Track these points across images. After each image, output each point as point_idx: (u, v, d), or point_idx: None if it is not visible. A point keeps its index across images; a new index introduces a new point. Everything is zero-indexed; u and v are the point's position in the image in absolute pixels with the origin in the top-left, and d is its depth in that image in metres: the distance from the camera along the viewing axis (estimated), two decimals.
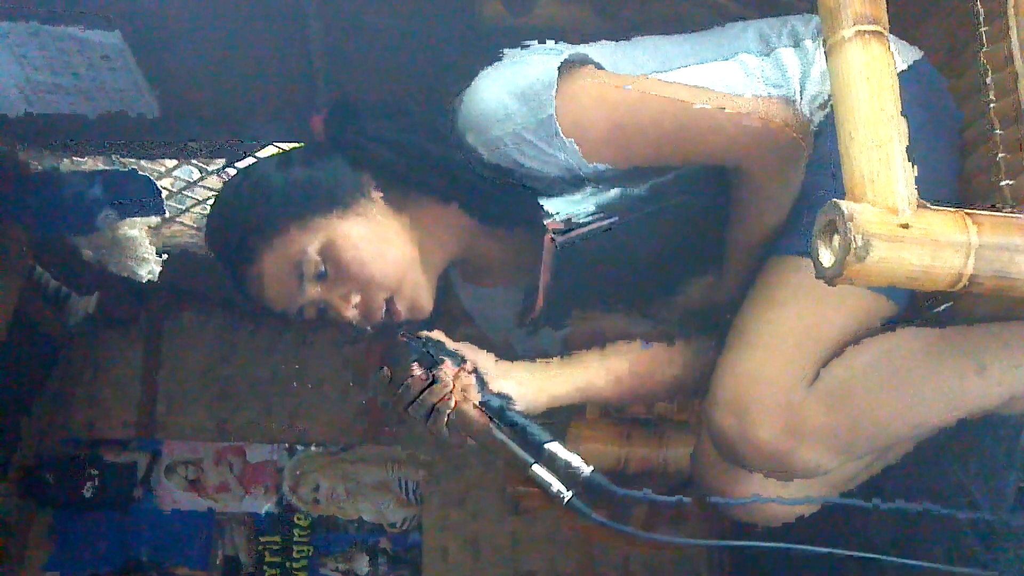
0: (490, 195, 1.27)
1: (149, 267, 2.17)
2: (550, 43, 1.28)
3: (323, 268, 1.25)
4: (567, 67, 1.20)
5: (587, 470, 1.18)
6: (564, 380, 1.31)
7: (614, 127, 1.20)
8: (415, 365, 1.23)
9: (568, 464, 1.18)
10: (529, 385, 1.28)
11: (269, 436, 2.81)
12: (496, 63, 1.26)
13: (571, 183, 1.24)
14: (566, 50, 1.24)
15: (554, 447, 1.19)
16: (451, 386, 1.22)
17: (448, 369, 1.23)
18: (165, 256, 2.20)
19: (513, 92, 1.19)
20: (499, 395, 1.24)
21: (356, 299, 1.26)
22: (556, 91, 1.17)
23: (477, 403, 1.22)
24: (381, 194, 1.29)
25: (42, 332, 2.58)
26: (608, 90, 1.21)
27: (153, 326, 2.84)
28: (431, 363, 1.24)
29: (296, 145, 1.42)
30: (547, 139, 1.18)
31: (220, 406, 2.83)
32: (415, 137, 1.28)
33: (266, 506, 2.73)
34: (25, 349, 2.48)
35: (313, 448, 2.80)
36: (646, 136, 1.20)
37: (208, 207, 2.49)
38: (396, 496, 2.77)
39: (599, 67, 1.25)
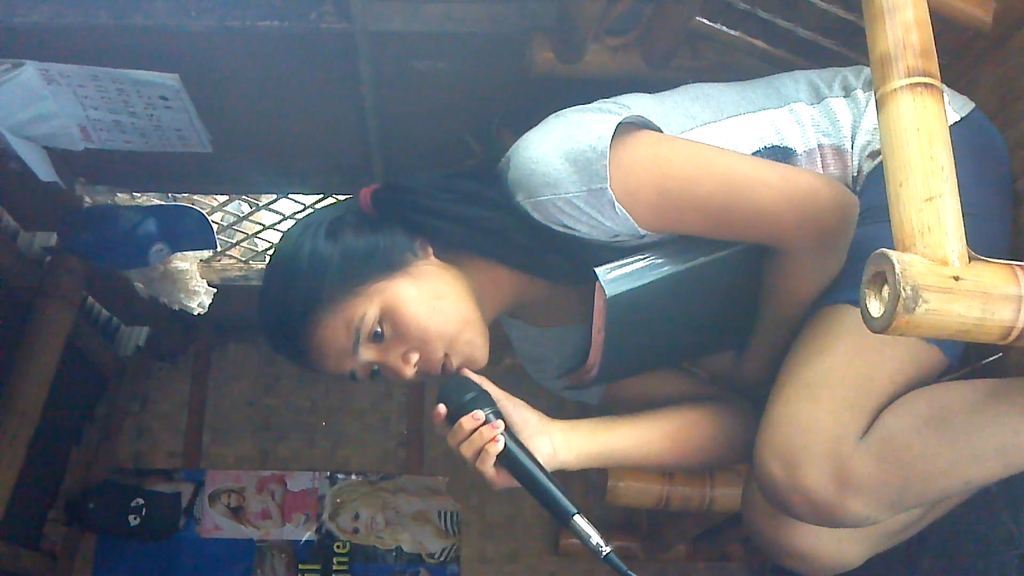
0: (541, 253, 1.27)
1: (199, 300, 2.20)
2: (604, 102, 1.28)
3: (379, 330, 1.25)
4: (621, 130, 1.19)
5: (605, 549, 1.19)
6: (601, 444, 1.32)
7: (665, 200, 1.19)
8: (469, 404, 1.25)
9: (588, 539, 1.20)
10: (562, 447, 1.29)
11: (311, 465, 2.83)
12: (549, 119, 1.26)
13: (621, 250, 1.25)
14: (621, 111, 1.24)
15: (579, 520, 1.20)
16: (502, 428, 1.24)
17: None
18: (215, 290, 2.22)
19: (566, 156, 1.18)
20: (528, 455, 1.25)
21: (415, 357, 1.27)
22: (609, 160, 1.16)
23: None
24: (432, 252, 1.30)
25: (92, 362, 2.62)
26: (662, 161, 1.20)
27: (201, 358, 2.88)
28: (485, 403, 1.26)
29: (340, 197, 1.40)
30: (599, 208, 1.18)
31: (263, 436, 2.85)
32: (465, 207, 1.28)
33: (306, 534, 2.74)
34: (75, 379, 2.52)
35: (354, 477, 2.81)
36: (696, 212, 1.20)
37: (257, 240, 2.53)
38: (435, 527, 2.78)
39: (655, 128, 1.24)
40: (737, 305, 1.33)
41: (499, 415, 1.26)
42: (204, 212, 2.09)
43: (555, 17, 1.53)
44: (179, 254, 2.16)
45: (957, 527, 1.41)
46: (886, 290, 0.88)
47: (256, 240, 2.56)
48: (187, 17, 1.53)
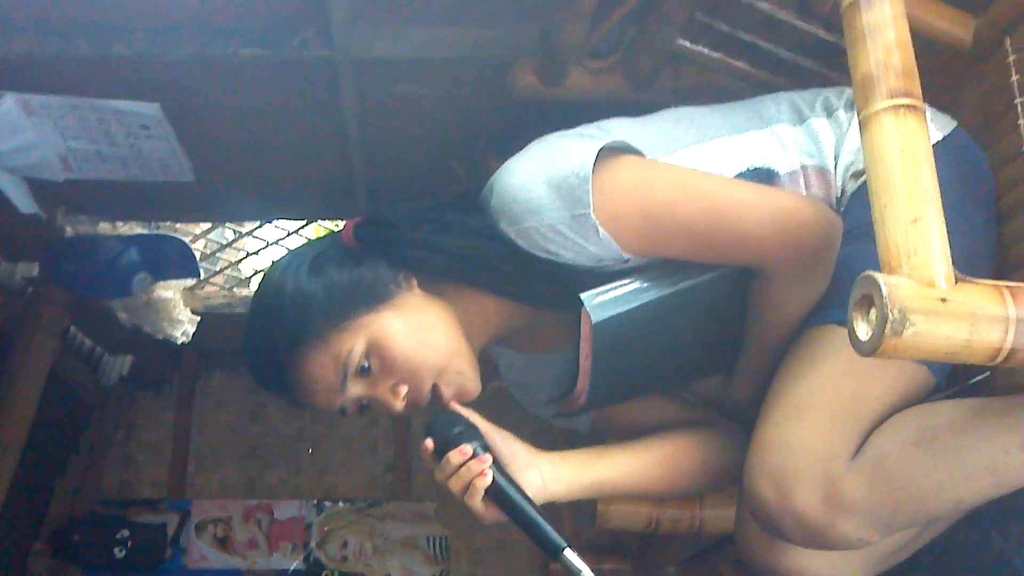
0: (526, 280, 1.26)
1: (183, 328, 2.19)
2: (587, 127, 1.28)
3: (366, 364, 1.24)
4: (603, 155, 1.19)
5: None
6: (591, 475, 1.31)
7: (649, 224, 1.19)
8: (457, 438, 1.24)
9: (579, 574, 1.18)
10: (552, 479, 1.28)
11: (297, 493, 2.81)
12: (531, 146, 1.25)
13: (606, 275, 1.25)
14: (603, 135, 1.23)
15: (569, 554, 1.19)
16: (490, 461, 1.23)
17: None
18: (199, 318, 2.21)
19: (548, 182, 1.17)
20: (517, 488, 1.23)
21: (404, 390, 1.25)
22: (592, 185, 1.16)
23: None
24: (416, 283, 1.28)
25: (76, 392, 2.61)
26: (645, 186, 1.20)
27: (185, 386, 2.87)
28: (472, 437, 1.25)
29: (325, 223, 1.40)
30: (583, 234, 1.17)
31: (250, 464, 2.84)
32: (449, 237, 1.27)
33: (294, 563, 2.72)
34: (59, 409, 2.51)
35: (341, 504, 2.79)
36: (680, 235, 1.20)
37: (240, 268, 2.53)
38: (424, 553, 2.76)
39: (637, 152, 1.24)
40: (724, 328, 1.33)
41: (487, 448, 1.25)
42: (187, 240, 2.09)
43: (537, 41, 1.54)
44: (162, 283, 2.15)
45: (947, 545, 1.40)
46: (873, 313, 0.88)
47: (240, 267, 2.56)
48: (168, 46, 1.52)
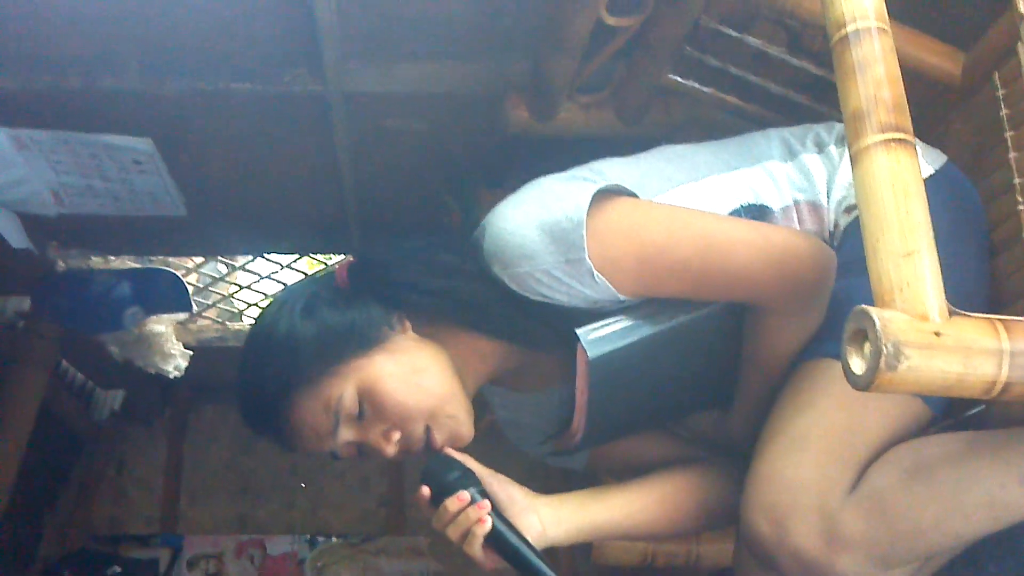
0: (521, 322, 1.25)
1: (175, 362, 2.17)
2: (579, 169, 1.28)
3: (357, 409, 1.22)
4: (597, 198, 1.18)
5: None
6: (590, 517, 1.30)
7: (644, 266, 1.18)
8: (454, 484, 1.22)
9: None
10: (551, 524, 1.27)
11: (290, 527, 2.79)
12: (524, 188, 1.25)
13: (600, 314, 1.24)
14: (596, 178, 1.23)
15: None
16: (488, 508, 1.21)
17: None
18: (191, 352, 2.20)
19: (542, 227, 1.16)
20: (517, 534, 1.21)
21: (396, 436, 1.23)
22: (586, 229, 1.14)
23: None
24: (410, 325, 1.27)
25: (67, 427, 2.59)
26: (639, 228, 1.19)
27: (177, 421, 2.85)
28: (470, 482, 1.23)
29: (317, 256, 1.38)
30: (578, 278, 1.16)
31: (242, 499, 2.82)
32: (442, 280, 1.26)
33: None
34: (50, 444, 2.49)
35: (334, 539, 2.77)
36: (676, 276, 1.19)
37: (233, 302, 2.52)
38: None
39: (630, 194, 1.23)
40: (720, 362, 1.32)
41: (485, 494, 1.23)
42: (179, 274, 2.08)
43: (528, 76, 1.54)
44: (154, 317, 2.14)
45: None
46: (867, 347, 0.87)
47: (233, 301, 2.55)
48: (160, 81, 1.53)
